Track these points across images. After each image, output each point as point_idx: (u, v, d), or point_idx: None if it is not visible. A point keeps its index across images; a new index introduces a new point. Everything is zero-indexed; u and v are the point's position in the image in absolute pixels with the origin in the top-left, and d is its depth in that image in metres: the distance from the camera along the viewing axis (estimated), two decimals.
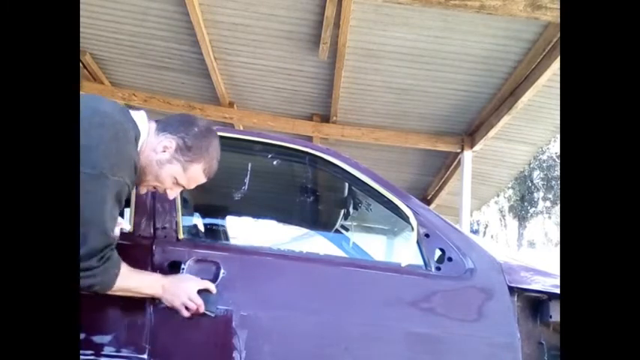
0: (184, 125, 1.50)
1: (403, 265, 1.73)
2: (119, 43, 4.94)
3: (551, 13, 3.26)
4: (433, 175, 7.02)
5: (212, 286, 1.55)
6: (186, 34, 4.53)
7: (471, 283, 1.69)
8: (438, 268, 1.71)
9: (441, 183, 7.02)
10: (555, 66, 3.91)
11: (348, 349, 1.58)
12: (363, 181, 1.87)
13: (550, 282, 1.71)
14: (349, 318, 1.62)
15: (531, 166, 16.13)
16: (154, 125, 1.50)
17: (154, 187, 1.51)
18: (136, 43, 4.88)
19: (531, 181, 17.65)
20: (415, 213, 1.78)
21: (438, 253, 1.75)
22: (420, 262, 1.74)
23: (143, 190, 1.52)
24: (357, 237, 2.97)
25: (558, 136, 6.45)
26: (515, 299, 1.68)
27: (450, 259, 1.72)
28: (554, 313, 1.67)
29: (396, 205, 1.81)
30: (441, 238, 1.76)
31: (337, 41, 4.19)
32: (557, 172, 16.19)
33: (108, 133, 1.33)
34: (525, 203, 17.88)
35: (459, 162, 5.89)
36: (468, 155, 5.69)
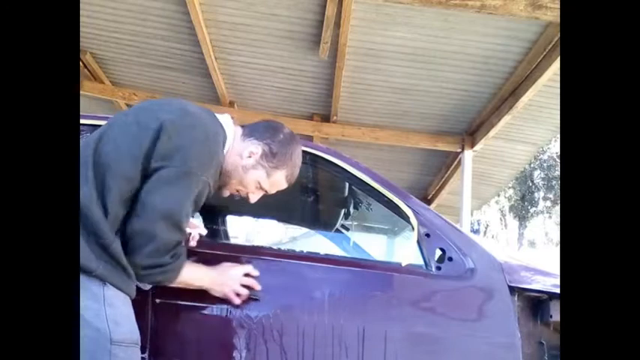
0: (270, 132, 1.54)
1: (403, 264, 1.73)
2: (119, 43, 4.95)
3: (552, 13, 3.26)
4: (433, 175, 7.02)
5: (254, 271, 1.59)
6: (187, 33, 4.53)
7: (471, 282, 1.69)
8: (439, 268, 1.71)
9: (441, 183, 7.02)
10: (555, 66, 3.91)
11: (347, 348, 1.58)
12: (363, 181, 1.87)
13: (550, 282, 1.70)
14: (349, 317, 1.62)
15: (532, 165, 16.11)
16: (239, 130, 1.54)
17: (237, 191, 1.55)
18: (136, 42, 4.88)
19: (532, 181, 17.63)
20: (415, 212, 1.78)
21: (438, 252, 1.75)
22: (420, 261, 1.73)
23: (226, 194, 1.55)
24: (357, 236, 2.97)
25: (558, 135, 6.44)
26: (516, 299, 1.68)
27: (450, 259, 1.72)
28: (555, 312, 1.66)
29: (397, 205, 1.81)
30: (441, 237, 1.75)
31: (338, 41, 4.19)
32: (558, 172, 16.18)
33: (199, 134, 1.36)
34: (526, 203, 17.86)
35: (460, 162, 5.89)
36: (468, 155, 5.68)
